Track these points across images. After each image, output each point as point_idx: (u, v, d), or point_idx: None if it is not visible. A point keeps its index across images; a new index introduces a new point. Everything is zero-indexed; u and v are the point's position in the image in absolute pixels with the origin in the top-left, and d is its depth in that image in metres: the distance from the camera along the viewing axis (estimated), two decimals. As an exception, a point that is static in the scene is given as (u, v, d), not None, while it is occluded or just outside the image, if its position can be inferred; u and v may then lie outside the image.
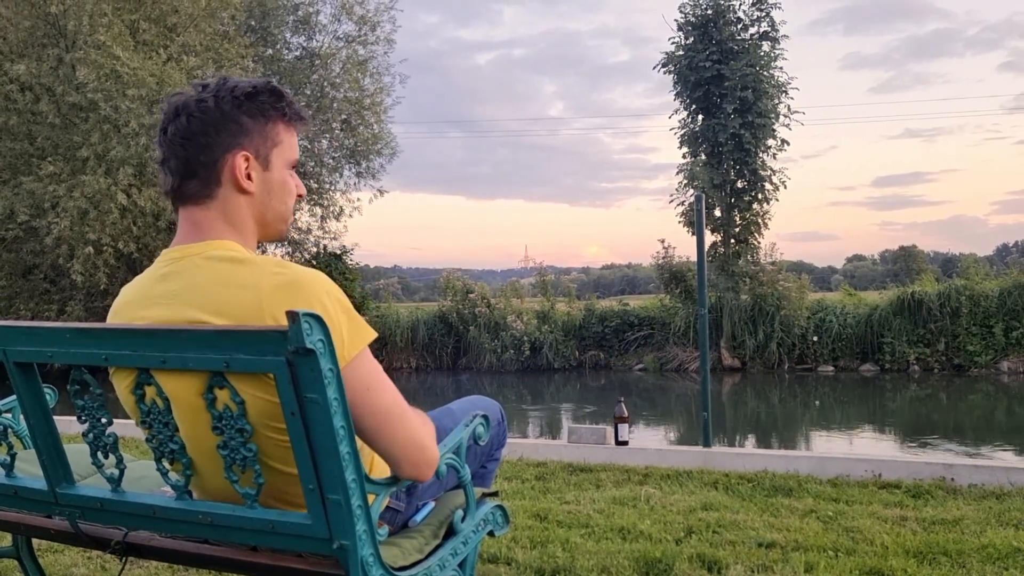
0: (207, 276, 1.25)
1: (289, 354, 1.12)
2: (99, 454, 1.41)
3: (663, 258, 16.09)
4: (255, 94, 1.30)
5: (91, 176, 13.65)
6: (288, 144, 1.35)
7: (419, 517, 1.48)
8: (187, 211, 1.32)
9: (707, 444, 4.60)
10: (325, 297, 1.18)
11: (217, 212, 1.31)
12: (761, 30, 15.84)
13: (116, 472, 1.40)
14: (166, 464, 1.34)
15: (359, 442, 1.18)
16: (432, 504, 1.52)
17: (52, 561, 2.49)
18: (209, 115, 1.27)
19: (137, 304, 1.33)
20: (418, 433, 1.26)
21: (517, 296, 17.27)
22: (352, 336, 1.20)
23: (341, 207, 18.84)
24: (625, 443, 4.42)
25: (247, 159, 1.29)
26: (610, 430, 4.47)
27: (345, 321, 1.19)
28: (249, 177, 1.29)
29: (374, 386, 1.22)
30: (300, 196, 1.39)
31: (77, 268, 13.76)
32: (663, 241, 16.16)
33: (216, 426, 1.22)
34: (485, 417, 1.52)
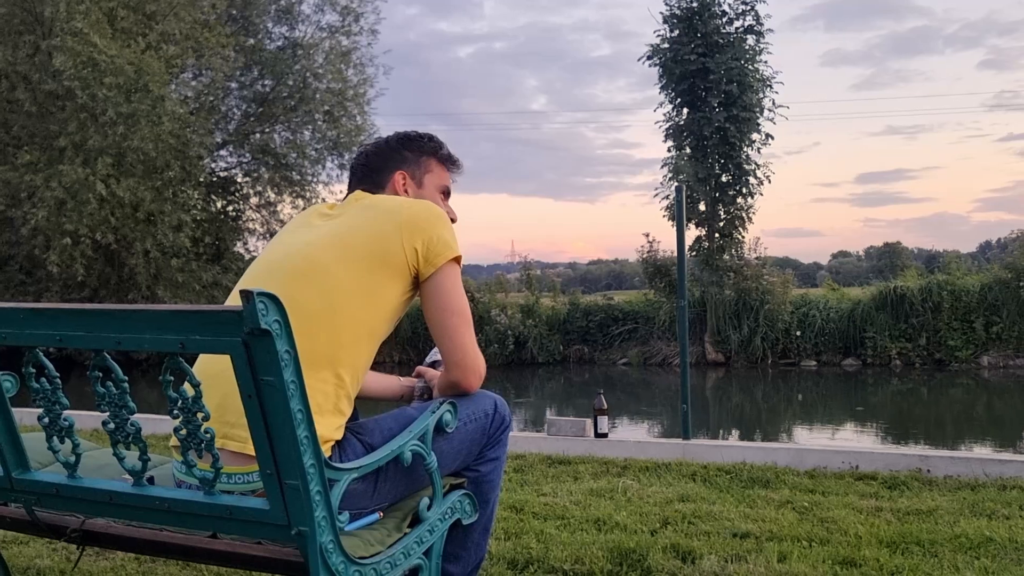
0: (363, 203, 1.62)
1: (245, 335, 1.09)
2: (55, 439, 1.37)
3: (647, 252, 16.10)
4: (416, 138, 1.78)
5: (68, 166, 13.47)
6: (438, 174, 1.77)
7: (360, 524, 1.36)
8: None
9: (686, 436, 4.60)
10: (442, 218, 1.57)
11: None
12: (746, 24, 15.86)
13: (72, 458, 1.37)
14: (123, 449, 1.30)
15: (317, 426, 1.15)
16: (378, 516, 1.41)
17: (16, 553, 2.44)
18: (381, 149, 1.77)
19: (298, 226, 1.64)
20: (476, 347, 1.57)
21: (502, 290, 17.23)
22: (445, 249, 1.52)
23: (323, 199, 18.73)
24: (604, 435, 4.41)
25: (404, 177, 1.73)
26: (589, 422, 4.45)
27: (447, 231, 1.55)
28: (406, 190, 1.71)
29: (461, 290, 1.54)
30: (452, 220, 1.65)
31: (54, 259, 13.59)
32: (647, 235, 16.13)
33: (172, 409, 1.19)
34: (452, 404, 1.50)
